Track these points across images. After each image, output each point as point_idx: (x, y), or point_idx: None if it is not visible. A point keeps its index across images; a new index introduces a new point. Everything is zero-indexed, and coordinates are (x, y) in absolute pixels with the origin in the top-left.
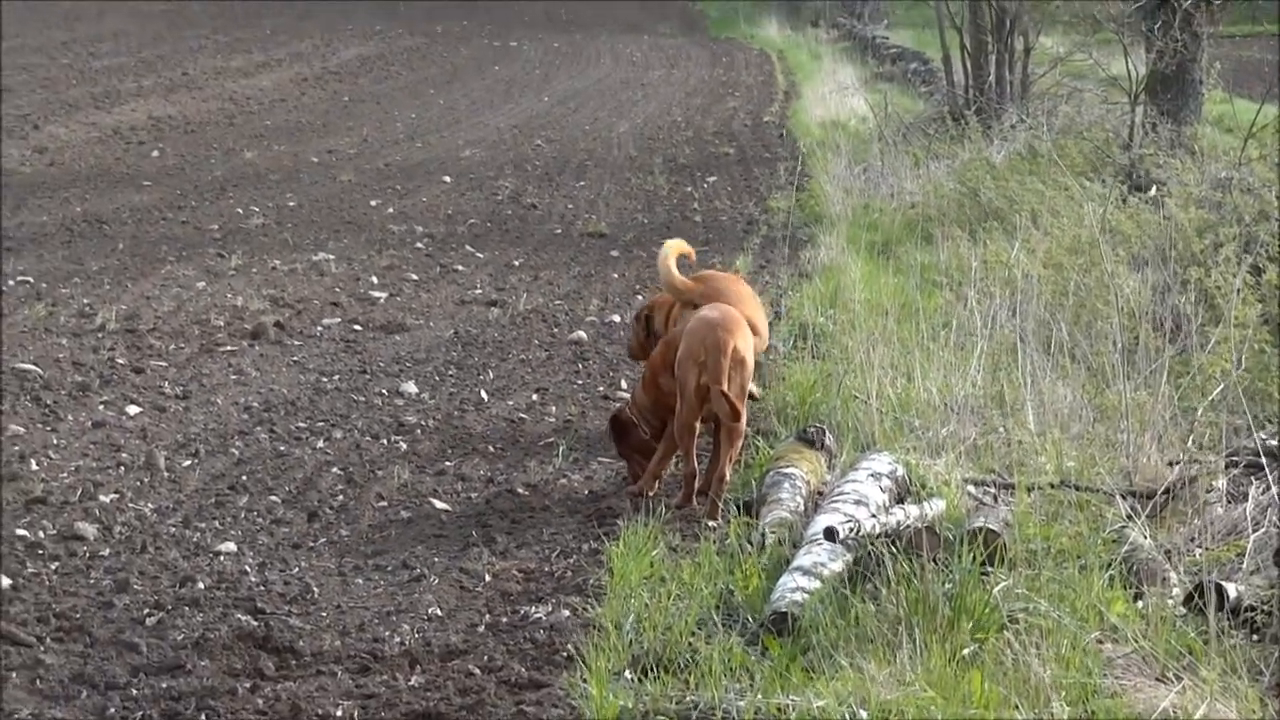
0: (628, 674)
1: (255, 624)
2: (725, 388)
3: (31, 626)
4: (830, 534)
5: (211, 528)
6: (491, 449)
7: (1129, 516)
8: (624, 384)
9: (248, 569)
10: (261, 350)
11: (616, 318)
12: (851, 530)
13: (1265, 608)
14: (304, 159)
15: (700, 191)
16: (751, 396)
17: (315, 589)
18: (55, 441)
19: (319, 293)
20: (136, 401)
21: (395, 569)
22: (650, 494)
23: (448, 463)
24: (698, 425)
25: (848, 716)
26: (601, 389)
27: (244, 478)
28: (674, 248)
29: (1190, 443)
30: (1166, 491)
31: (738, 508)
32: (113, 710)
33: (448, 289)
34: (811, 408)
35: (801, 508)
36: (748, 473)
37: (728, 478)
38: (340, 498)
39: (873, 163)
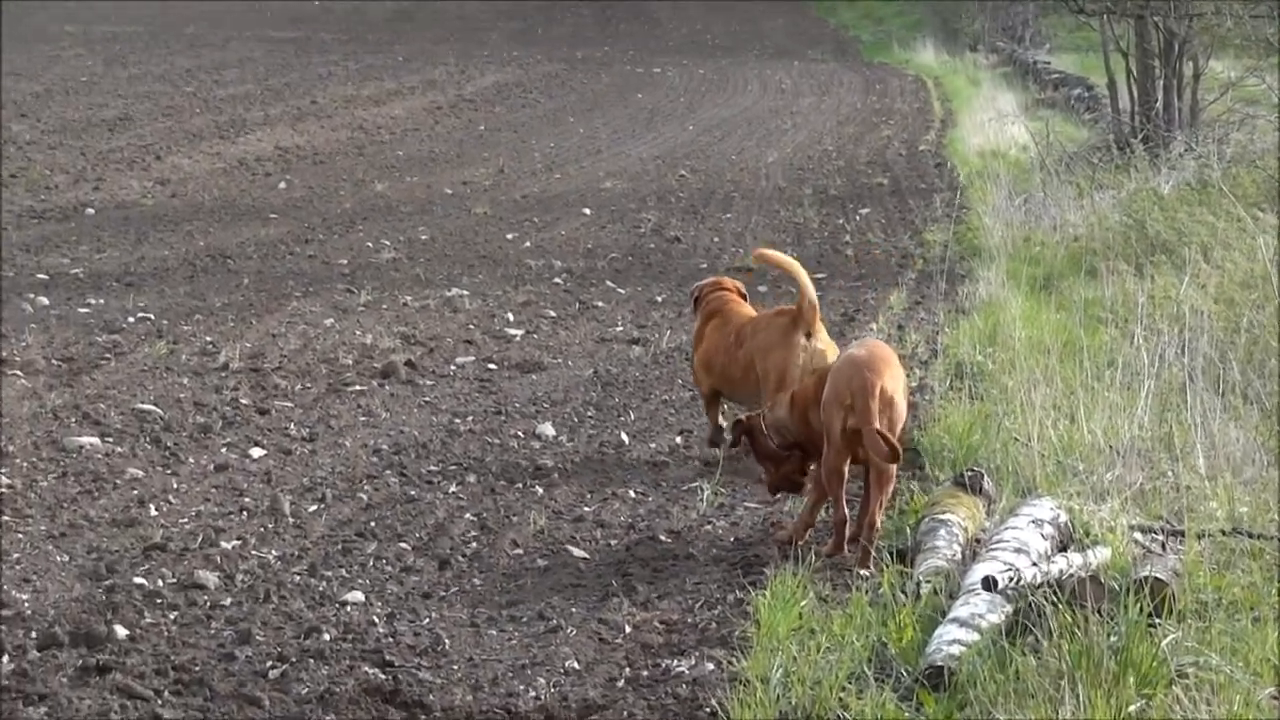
0: None
1: (383, 677)
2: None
3: (149, 679)
4: (989, 583)
5: (338, 576)
6: (632, 494)
7: None
8: None
9: (376, 619)
10: (392, 390)
11: None
12: (1011, 579)
13: None
14: (437, 190)
15: (852, 224)
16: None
17: (446, 641)
18: (176, 485)
19: (452, 330)
20: (261, 444)
21: (531, 620)
22: (800, 542)
23: (586, 508)
24: (846, 469)
25: None
26: None
27: (372, 524)
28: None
29: None
30: None
31: (891, 556)
32: None
33: (587, 326)
34: (969, 451)
35: (958, 556)
36: (902, 519)
37: (879, 524)
38: (473, 545)
39: (1034, 193)
